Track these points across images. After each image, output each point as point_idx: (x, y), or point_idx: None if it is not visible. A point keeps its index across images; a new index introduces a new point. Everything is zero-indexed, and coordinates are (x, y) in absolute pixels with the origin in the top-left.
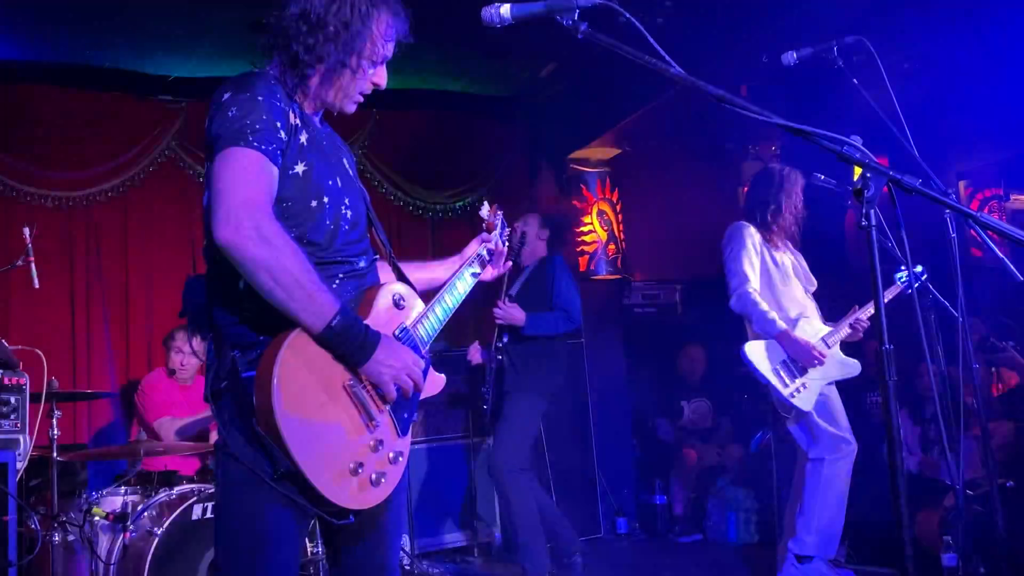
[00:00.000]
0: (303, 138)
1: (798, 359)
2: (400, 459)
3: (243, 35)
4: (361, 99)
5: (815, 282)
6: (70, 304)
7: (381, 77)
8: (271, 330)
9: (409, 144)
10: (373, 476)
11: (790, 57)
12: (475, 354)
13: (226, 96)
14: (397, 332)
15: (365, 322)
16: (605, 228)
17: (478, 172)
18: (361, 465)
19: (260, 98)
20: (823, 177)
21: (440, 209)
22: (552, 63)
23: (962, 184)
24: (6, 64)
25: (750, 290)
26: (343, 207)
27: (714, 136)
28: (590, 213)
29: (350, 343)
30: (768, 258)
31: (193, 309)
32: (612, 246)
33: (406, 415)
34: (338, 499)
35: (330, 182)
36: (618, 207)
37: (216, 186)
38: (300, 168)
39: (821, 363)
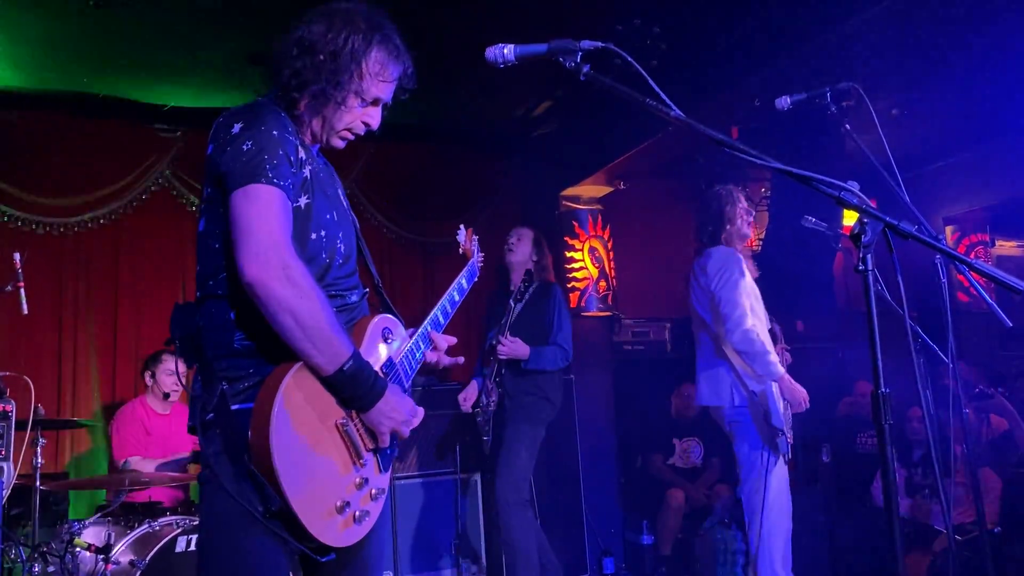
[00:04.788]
0: (307, 171)
1: (792, 405)
2: (381, 496)
3: (240, 66)
4: (351, 136)
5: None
6: (57, 330)
7: (372, 118)
8: (262, 363)
9: (402, 177)
10: (357, 514)
11: (784, 101)
12: (467, 405)
13: (237, 127)
14: (384, 366)
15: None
16: (596, 265)
17: (471, 207)
18: (347, 504)
19: (275, 132)
20: (814, 220)
21: (432, 242)
22: (547, 101)
23: (949, 229)
24: (1, 90)
25: (752, 326)
26: (338, 241)
27: (705, 177)
28: (581, 250)
29: (357, 388)
30: (752, 288)
31: (181, 337)
32: (603, 283)
33: (389, 451)
34: (324, 537)
35: (328, 216)
36: (609, 244)
37: (241, 224)
38: (303, 202)
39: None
